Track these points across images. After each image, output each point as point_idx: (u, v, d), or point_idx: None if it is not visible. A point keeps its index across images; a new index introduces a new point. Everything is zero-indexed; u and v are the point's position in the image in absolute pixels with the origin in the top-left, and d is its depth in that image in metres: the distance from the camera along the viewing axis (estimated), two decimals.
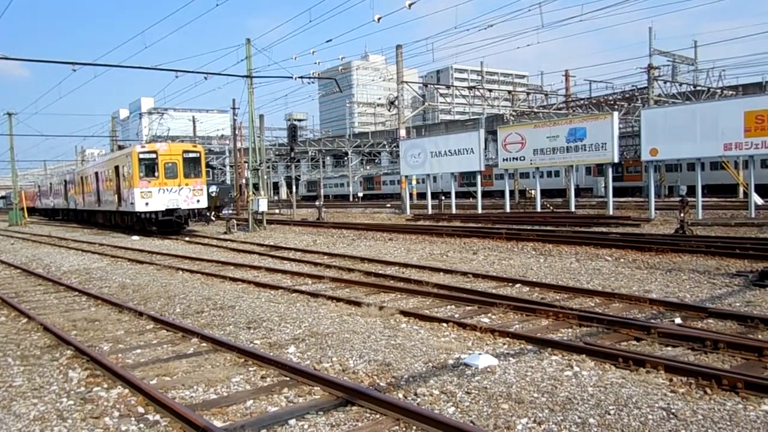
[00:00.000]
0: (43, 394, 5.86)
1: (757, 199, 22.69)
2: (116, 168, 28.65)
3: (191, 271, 14.33)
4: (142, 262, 16.70)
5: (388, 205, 44.76)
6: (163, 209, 25.93)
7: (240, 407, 5.29)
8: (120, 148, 35.60)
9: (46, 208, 55.99)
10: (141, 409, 5.28)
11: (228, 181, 48.22)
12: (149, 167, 26.03)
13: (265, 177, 44.95)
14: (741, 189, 33.19)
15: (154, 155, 26.15)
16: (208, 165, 42.24)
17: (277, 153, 70.20)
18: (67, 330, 8.50)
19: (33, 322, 9.06)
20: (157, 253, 18.73)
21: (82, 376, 6.34)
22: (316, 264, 14.77)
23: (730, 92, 41.54)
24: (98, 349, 7.41)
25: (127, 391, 5.73)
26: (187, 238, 24.49)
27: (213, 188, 37.35)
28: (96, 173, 33.46)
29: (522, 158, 27.17)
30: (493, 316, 8.43)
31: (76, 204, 39.94)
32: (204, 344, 7.40)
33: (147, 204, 25.66)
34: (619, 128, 31.82)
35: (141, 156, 25.98)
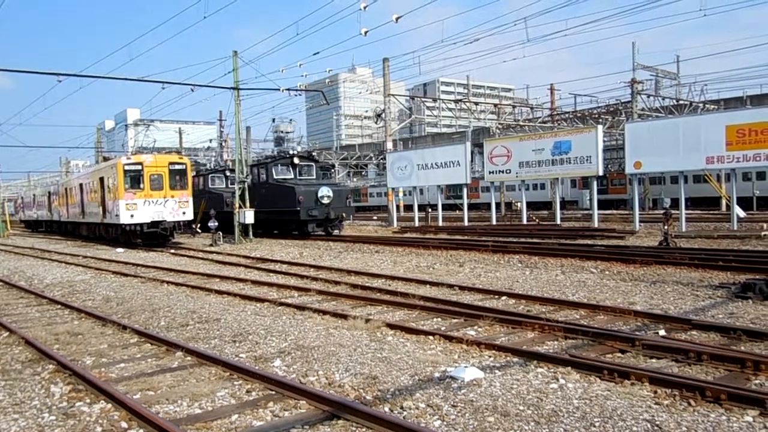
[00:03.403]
0: (24, 409, 5.77)
1: (739, 211, 22.97)
2: (101, 179, 28.44)
3: (176, 284, 14.22)
4: (126, 275, 16.55)
5: (375, 218, 44.82)
6: (149, 221, 25.76)
7: (225, 422, 5.25)
8: (105, 159, 35.28)
9: (29, 219, 55.41)
10: (124, 424, 5.22)
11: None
12: (135, 179, 25.88)
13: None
14: (723, 202, 33.60)
15: (139, 167, 26.01)
16: (314, 160, 29.80)
17: None
18: (49, 344, 8.39)
19: (14, 336, 8.93)
20: (142, 266, 18.57)
21: (65, 390, 6.26)
22: (302, 276, 14.72)
23: (712, 106, 42.20)
24: (81, 363, 7.32)
25: (110, 405, 5.66)
26: (172, 251, 24.32)
27: (325, 189, 26.13)
28: (81, 185, 33.19)
29: (508, 171, 27.35)
30: (480, 329, 8.44)
31: (60, 216, 39.57)
32: (189, 358, 7.34)
33: (132, 216, 25.48)
34: (604, 141, 32.13)
35: (126, 168, 25.83)
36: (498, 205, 35.72)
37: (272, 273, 15.93)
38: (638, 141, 22.74)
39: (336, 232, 26.92)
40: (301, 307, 10.30)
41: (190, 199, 27.34)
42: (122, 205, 25.37)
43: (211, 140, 65.81)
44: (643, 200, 39.01)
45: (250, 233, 27.02)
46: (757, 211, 34.06)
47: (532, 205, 40.36)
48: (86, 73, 22.65)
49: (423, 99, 45.23)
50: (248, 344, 8.00)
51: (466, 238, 22.85)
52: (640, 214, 24.44)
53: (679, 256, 14.18)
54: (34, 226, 53.24)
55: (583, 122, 42.62)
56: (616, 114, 43.27)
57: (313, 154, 33.00)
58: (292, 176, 27.46)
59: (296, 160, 27.72)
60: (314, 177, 28.12)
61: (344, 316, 9.33)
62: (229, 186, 31.99)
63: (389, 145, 35.83)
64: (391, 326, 8.54)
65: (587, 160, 24.11)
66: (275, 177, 27.31)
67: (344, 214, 27.81)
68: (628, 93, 41.84)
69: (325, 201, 25.79)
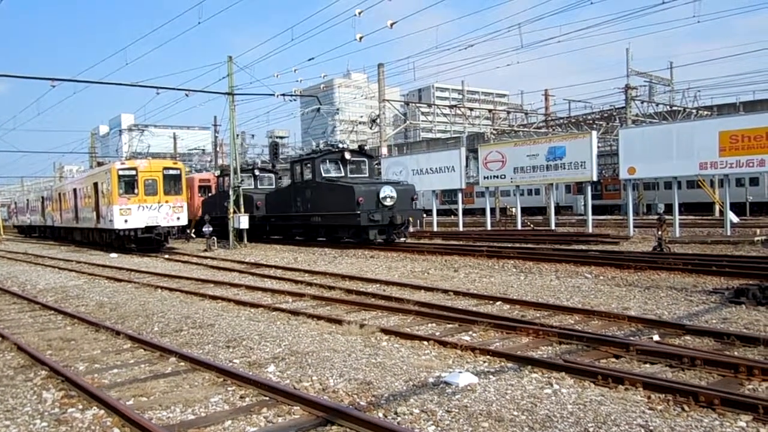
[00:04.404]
0: (15, 415, 5.73)
1: (732, 217, 23.07)
2: (95, 185, 28.36)
3: (170, 289, 14.17)
4: (120, 280, 16.48)
5: None
6: (143, 226, 25.68)
7: (218, 428, 5.22)
8: (99, 164, 35.12)
9: (22, 225, 55.18)
10: (117, 431, 5.19)
11: None
12: (129, 184, 25.81)
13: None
14: (717, 207, 33.75)
15: (133, 172, 25.94)
16: (368, 155, 25.51)
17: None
18: (41, 350, 8.35)
19: (7, 342, 8.88)
20: (136, 271, 18.50)
21: (57, 396, 6.22)
22: (296, 282, 14.69)
23: (705, 112, 42.39)
24: (74, 369, 7.28)
25: (102, 412, 5.63)
26: (166, 256, 24.24)
27: (388, 189, 22.10)
28: (74, 190, 33.08)
29: (503, 176, 27.41)
30: (474, 334, 8.44)
31: (54, 221, 39.41)
32: (182, 363, 7.30)
33: (126, 221, 25.40)
34: (598, 147, 32.23)
35: (120, 172, 25.76)
36: (493, 210, 35.76)
37: (266, 278, 15.90)
38: (632, 147, 22.83)
39: (402, 239, 23.28)
40: (295, 313, 10.28)
41: (185, 204, 27.27)
42: (116, 210, 25.29)
43: (204, 146, 65.74)
44: (637, 206, 39.15)
45: (245, 238, 26.96)
46: (750, 216, 34.22)
47: (526, 211, 40.45)
48: (80, 77, 22.73)
49: (418, 104, 45.34)
50: (242, 350, 7.97)
51: (460, 243, 22.84)
52: (634, 220, 24.50)
53: (672, 261, 14.23)
54: (27, 232, 53.00)
55: (577, 128, 42.79)
56: (610, 120, 43.47)
57: (366, 148, 28.18)
58: (343, 174, 23.75)
59: (347, 155, 23.70)
60: (367, 175, 24.50)
61: (339, 322, 9.31)
62: (260, 187, 29.75)
63: (384, 150, 35.90)
64: (385, 331, 8.53)
65: (581, 165, 24.19)
66: (323, 175, 23.57)
67: (411, 219, 23.23)
68: (622, 99, 42.07)
69: (388, 203, 21.91)
